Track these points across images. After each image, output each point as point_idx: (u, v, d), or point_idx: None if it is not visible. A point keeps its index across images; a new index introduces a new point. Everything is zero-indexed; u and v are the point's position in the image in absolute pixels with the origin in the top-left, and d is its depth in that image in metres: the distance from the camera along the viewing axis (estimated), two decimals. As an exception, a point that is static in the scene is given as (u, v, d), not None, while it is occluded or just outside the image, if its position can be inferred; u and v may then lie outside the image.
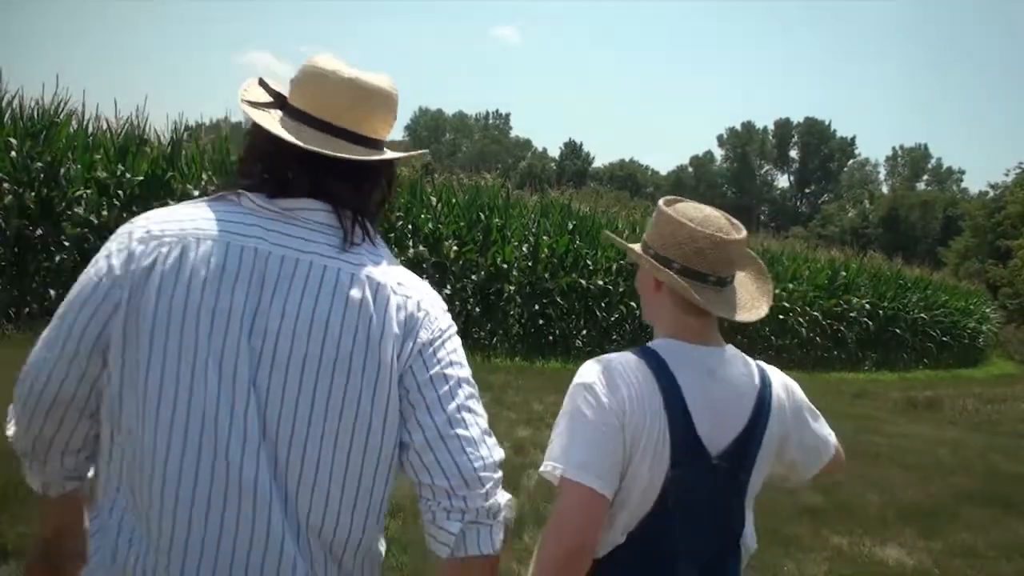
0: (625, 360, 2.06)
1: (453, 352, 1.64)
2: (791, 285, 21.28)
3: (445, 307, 1.71)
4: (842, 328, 22.16)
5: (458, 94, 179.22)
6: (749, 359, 2.14)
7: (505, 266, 15.82)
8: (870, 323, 22.95)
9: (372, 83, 1.68)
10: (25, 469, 1.67)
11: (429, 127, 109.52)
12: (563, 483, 1.91)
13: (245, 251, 1.56)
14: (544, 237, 16.98)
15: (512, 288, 15.94)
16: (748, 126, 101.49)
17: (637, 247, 2.18)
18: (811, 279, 22.18)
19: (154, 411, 1.50)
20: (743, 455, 2.04)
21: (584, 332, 17.32)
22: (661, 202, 2.19)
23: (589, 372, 2.05)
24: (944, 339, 26.03)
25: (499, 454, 1.62)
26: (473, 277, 15.64)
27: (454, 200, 16.67)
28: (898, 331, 24.06)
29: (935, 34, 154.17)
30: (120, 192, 13.13)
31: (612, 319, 17.54)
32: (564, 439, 1.95)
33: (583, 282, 16.95)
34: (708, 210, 2.14)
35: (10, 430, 1.63)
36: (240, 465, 1.49)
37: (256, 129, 1.68)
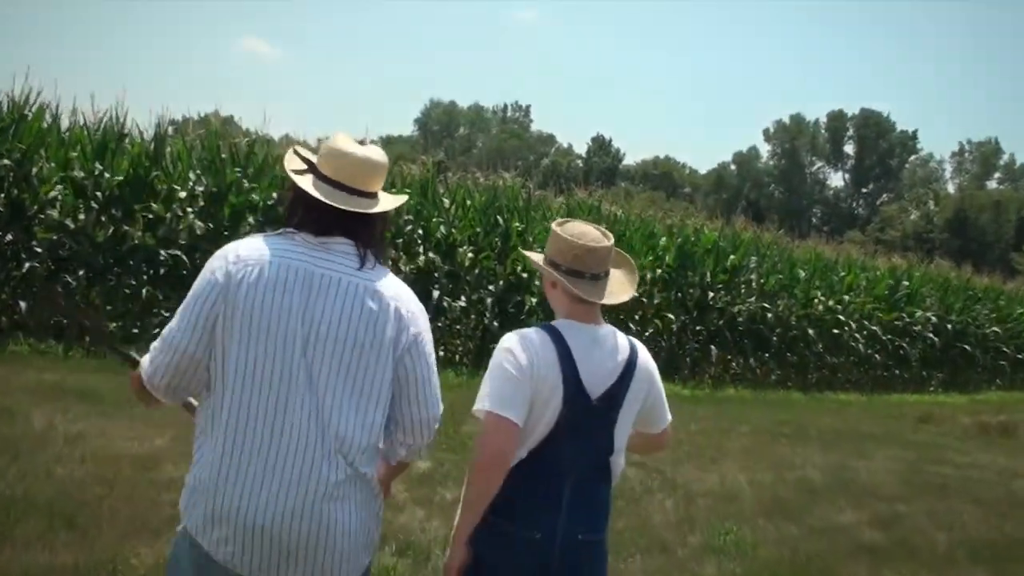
0: (533, 332, 3.39)
1: (428, 343, 3.02)
2: (847, 297, 21.11)
3: (423, 308, 3.06)
4: (904, 345, 21.98)
5: (473, 84, 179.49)
6: (624, 336, 3.55)
7: (526, 275, 15.81)
8: (936, 339, 22.75)
9: (373, 159, 3.04)
10: (158, 398, 3.00)
11: (441, 121, 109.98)
12: (487, 415, 3.23)
13: (299, 270, 2.90)
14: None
15: (534, 300, 15.94)
16: (797, 119, 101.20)
17: (540, 258, 3.57)
18: (869, 290, 22.00)
19: (243, 366, 2.82)
20: (614, 398, 3.41)
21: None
22: (554, 224, 3.56)
23: (508, 340, 3.36)
24: (1019, 356, 25.71)
25: (440, 410, 3.03)
26: (491, 287, 15.63)
27: (469, 202, 16.72)
28: (967, 348, 23.80)
29: (1006, 14, 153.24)
30: (98, 193, 13.20)
31: (646, 334, 17.48)
32: (488, 387, 3.28)
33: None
34: (586, 226, 3.53)
35: (155, 379, 2.94)
36: (293, 398, 2.82)
37: (299, 190, 3.05)
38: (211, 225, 13.84)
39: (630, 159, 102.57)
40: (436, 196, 16.37)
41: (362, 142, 3.14)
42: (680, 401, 15.25)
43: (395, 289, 3.02)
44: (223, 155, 14.68)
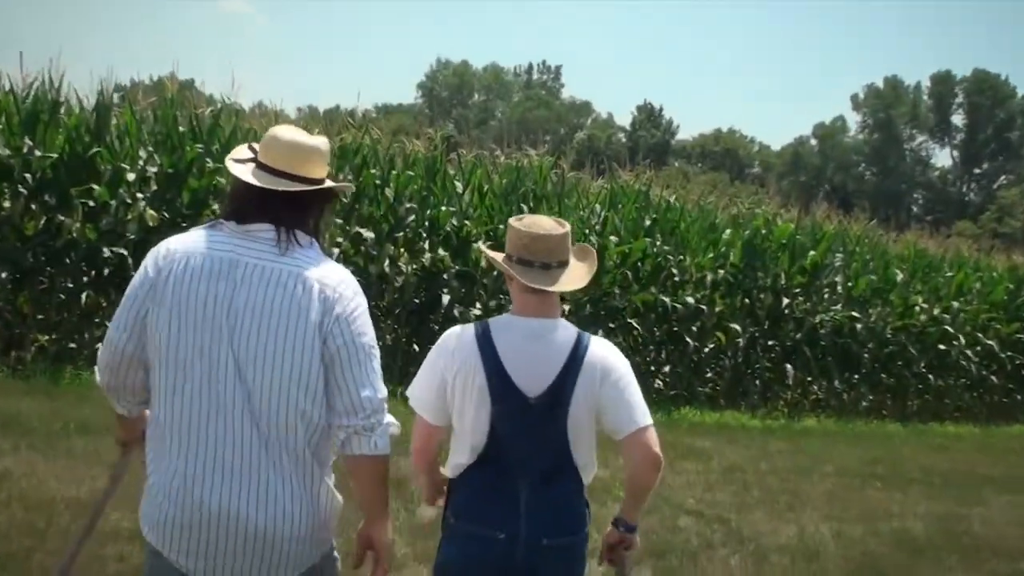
0: (463, 329, 4.08)
1: (357, 322, 3.53)
2: (955, 304, 20.94)
3: (357, 289, 3.59)
4: (1029, 363, 21.83)
5: (490, 40, 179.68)
6: (577, 331, 4.10)
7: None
8: (1068, 356, 22.57)
9: (304, 141, 3.66)
10: (112, 402, 3.72)
11: (450, 85, 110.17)
12: (415, 414, 4.13)
13: (223, 259, 3.49)
14: (612, 237, 17.11)
15: (567, 307, 15.92)
16: (894, 83, 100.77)
17: (499, 255, 4.18)
18: (984, 295, 21.84)
19: (172, 356, 3.43)
20: (558, 395, 3.94)
21: (668, 368, 17.30)
22: (512, 219, 4.16)
23: (441, 339, 4.09)
24: None
25: (380, 393, 3.52)
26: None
27: (487, 187, 16.79)
28: (1108, 367, 23.60)
29: None
30: (27, 175, 13.32)
31: (706, 350, 17.44)
32: (416, 381, 4.15)
33: (666, 299, 17.02)
34: (540, 218, 4.16)
35: (98, 378, 3.67)
36: (222, 389, 3.41)
37: (233, 176, 3.65)
38: (166, 214, 13.91)
39: (685, 133, 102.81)
40: (445, 179, 16.43)
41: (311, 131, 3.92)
42: (748, 434, 15.21)
43: (322, 272, 3.57)
44: (181, 128, 14.74)
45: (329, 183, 3.71)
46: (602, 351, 4.08)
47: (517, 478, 3.96)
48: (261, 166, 3.66)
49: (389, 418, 3.58)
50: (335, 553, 3.75)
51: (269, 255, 3.53)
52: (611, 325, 16.37)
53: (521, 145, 19.81)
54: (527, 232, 4.06)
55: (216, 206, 14.03)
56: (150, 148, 14.41)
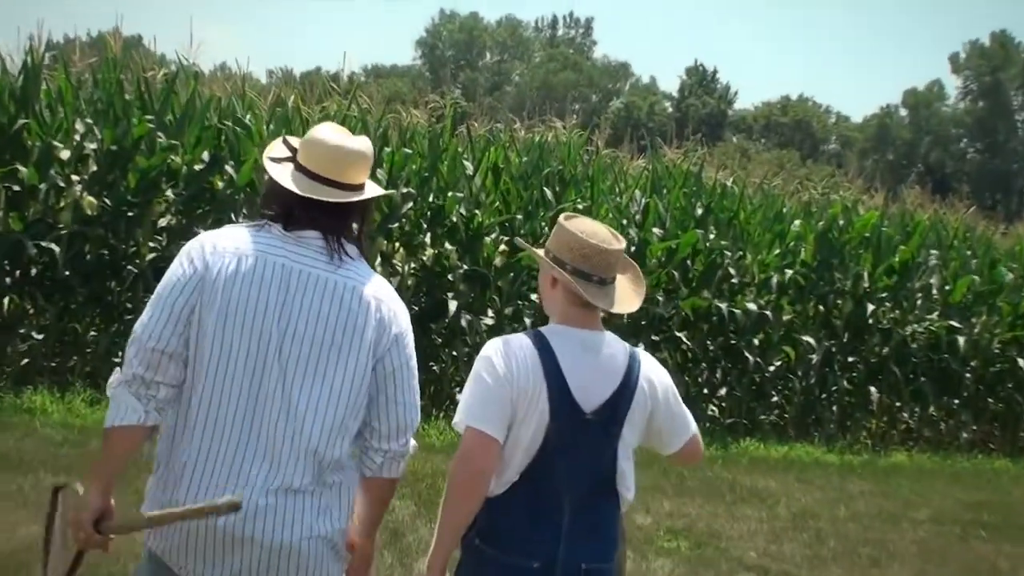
0: (518, 339, 4.43)
1: (409, 345, 4.12)
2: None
3: (406, 309, 4.19)
4: None
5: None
6: (626, 345, 4.57)
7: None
8: None
9: (353, 148, 4.15)
10: (121, 409, 3.92)
11: (456, 43, 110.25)
12: (466, 430, 4.30)
13: (276, 265, 3.96)
14: (655, 230, 17.10)
15: (601, 315, 15.88)
16: (1003, 40, 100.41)
17: (541, 252, 4.57)
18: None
19: (216, 360, 3.89)
20: (614, 412, 4.40)
21: (724, 391, 17.38)
22: (561, 217, 4.58)
23: (490, 348, 4.42)
24: None
25: (419, 416, 4.14)
26: (534, 298, 15.57)
27: (502, 167, 16.79)
28: None
29: None
30: (-63, 154, 13.27)
31: (771, 369, 17.36)
32: (468, 399, 4.36)
33: (722, 306, 17.01)
34: (597, 225, 4.59)
35: (118, 376, 3.95)
36: (265, 398, 3.89)
37: (274, 181, 4.12)
38: (108, 201, 13.93)
39: (745, 101, 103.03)
40: (452, 157, 16.42)
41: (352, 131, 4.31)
42: (822, 471, 15.15)
43: (376, 288, 4.13)
44: (127, 95, 14.76)
45: (373, 190, 4.26)
46: (651, 365, 4.60)
47: (561, 499, 4.38)
48: (301, 168, 4.14)
49: (414, 441, 4.22)
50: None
51: (322, 264, 4.05)
52: (654, 337, 16.35)
53: (544, 116, 19.77)
54: (590, 244, 4.47)
55: (170, 192, 14.03)
56: (89, 120, 14.40)
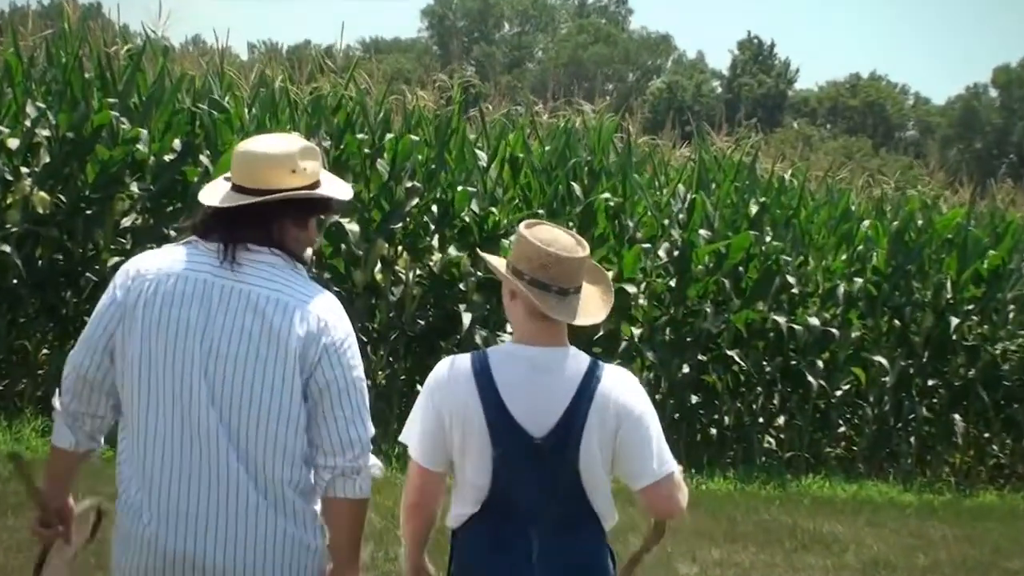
0: (459, 363, 4.80)
1: (346, 354, 4.42)
2: None
3: (343, 315, 4.50)
4: None
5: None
6: (589, 360, 4.82)
7: (623, 288, 15.74)
8: None
9: (258, 150, 4.53)
10: (59, 433, 4.55)
11: (469, 13, 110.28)
12: (410, 461, 4.86)
13: (197, 281, 4.36)
14: (701, 231, 17.07)
15: (638, 331, 16.01)
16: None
17: (502, 263, 4.85)
18: None
19: (144, 385, 4.32)
20: (567, 434, 4.66)
21: (782, 419, 17.35)
22: (522, 225, 4.87)
23: (434, 372, 4.83)
24: None
25: (369, 432, 4.43)
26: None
27: (522, 157, 16.80)
28: None
29: None
30: None
31: (838, 393, 17.30)
32: (410, 423, 4.86)
33: (780, 320, 16.99)
34: (559, 232, 4.82)
35: (56, 402, 4.48)
36: (196, 421, 4.27)
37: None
38: (63, 198, 14.00)
39: (807, 80, 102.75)
40: (463, 146, 16.48)
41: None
42: (898, 514, 15.11)
43: (304, 298, 4.48)
44: (87, 74, 14.83)
45: (323, 190, 4.61)
46: (616, 382, 4.81)
47: (527, 527, 4.72)
48: (233, 185, 4.55)
49: (373, 459, 4.49)
50: None
51: (250, 279, 4.42)
52: (701, 357, 16.39)
53: (572, 98, 19.77)
54: (546, 251, 4.72)
55: (135, 186, 14.05)
56: (40, 103, 14.42)
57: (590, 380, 4.73)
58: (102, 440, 4.66)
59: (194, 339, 4.33)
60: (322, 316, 4.43)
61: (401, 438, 4.92)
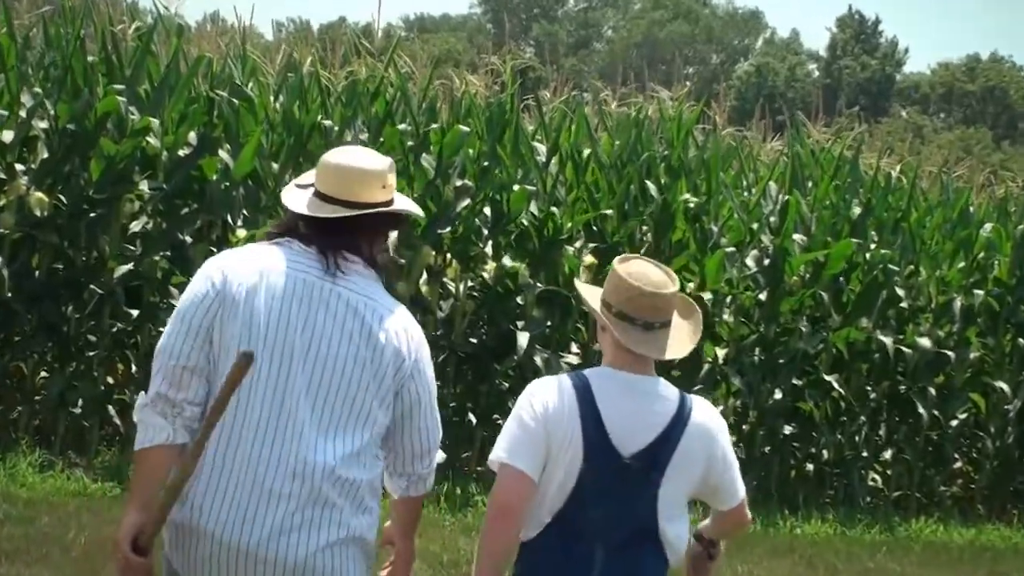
0: (561, 380, 5.61)
1: (430, 373, 5.48)
2: None
3: (424, 337, 5.48)
4: None
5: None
6: (679, 392, 5.65)
7: (705, 302, 15.76)
8: None
9: (353, 165, 5.43)
10: (150, 430, 5.14)
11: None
12: (500, 466, 5.50)
13: (298, 279, 5.24)
14: (795, 236, 17.03)
15: (723, 352, 15.98)
16: None
17: (597, 296, 5.76)
18: None
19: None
20: (655, 458, 5.46)
21: (889, 452, 17.28)
22: (616, 260, 5.78)
23: (533, 387, 5.64)
24: None
25: (440, 435, 5.56)
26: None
27: (587, 152, 16.78)
28: None
29: None
30: None
31: (953, 423, 17.17)
32: (504, 439, 5.54)
33: (887, 340, 16.90)
34: (649, 267, 5.69)
35: (144, 398, 5.19)
36: (291, 413, 5.12)
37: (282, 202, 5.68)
38: (63, 198, 14.08)
39: (918, 62, 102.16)
40: (519, 139, 16.41)
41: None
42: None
43: (396, 310, 5.36)
44: (90, 57, 14.87)
45: (398, 205, 5.47)
46: (705, 413, 5.70)
47: (592, 543, 5.51)
48: (320, 195, 5.36)
49: (440, 455, 5.55)
50: None
51: (348, 284, 5.25)
52: (795, 382, 16.37)
53: (646, 83, 19.77)
54: (633, 285, 5.58)
55: (145, 185, 14.07)
56: (38, 90, 14.49)
57: (683, 409, 5.56)
58: (194, 432, 5.13)
59: (295, 333, 5.11)
60: (411, 331, 5.34)
61: (492, 456, 5.57)
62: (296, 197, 5.45)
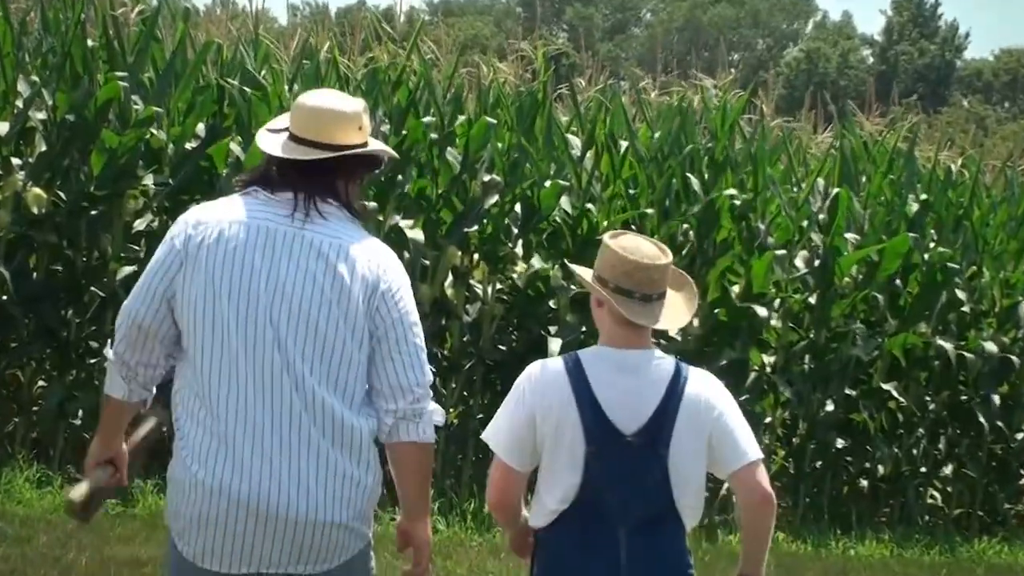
0: (550, 364, 6.16)
1: (403, 300, 5.71)
2: None
3: (399, 263, 5.83)
4: None
5: None
6: (675, 362, 6.11)
7: (750, 307, 15.90)
8: None
9: (327, 106, 5.81)
10: (112, 383, 5.77)
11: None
12: (493, 460, 6.18)
13: (259, 228, 5.60)
14: (847, 235, 16.98)
15: (771, 360, 15.93)
16: None
17: (588, 273, 6.12)
18: None
19: (207, 328, 5.52)
20: (658, 431, 5.89)
21: (950, 467, 17.17)
22: (607, 236, 6.16)
23: (525, 373, 6.11)
24: None
25: (427, 377, 5.71)
26: (676, 336, 15.42)
27: (625, 144, 16.72)
28: None
29: None
30: None
31: (1018, 437, 17.05)
32: (497, 422, 6.19)
33: (947, 345, 16.82)
34: (641, 240, 6.17)
35: (109, 352, 5.75)
36: (261, 362, 5.49)
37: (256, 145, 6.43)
38: (62, 195, 14.16)
39: (980, 48, 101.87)
40: (552, 130, 16.44)
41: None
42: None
43: (363, 245, 5.64)
44: (90, 42, 14.85)
45: (373, 147, 5.82)
46: (703, 383, 6.11)
47: (616, 526, 5.92)
48: (291, 136, 5.70)
49: (434, 405, 5.70)
50: (371, 551, 5.81)
51: (310, 226, 5.55)
52: (848, 391, 16.32)
53: (688, 70, 19.73)
54: (630, 260, 5.98)
55: (150, 180, 14.08)
56: (35, 78, 14.52)
57: (678, 380, 6.00)
58: (154, 390, 5.77)
59: (259, 282, 5.44)
60: (381, 263, 5.62)
61: (484, 436, 6.20)
62: (271, 140, 5.76)
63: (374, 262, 5.59)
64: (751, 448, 6.02)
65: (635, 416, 5.89)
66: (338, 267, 5.50)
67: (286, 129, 5.78)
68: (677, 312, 6.16)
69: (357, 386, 5.55)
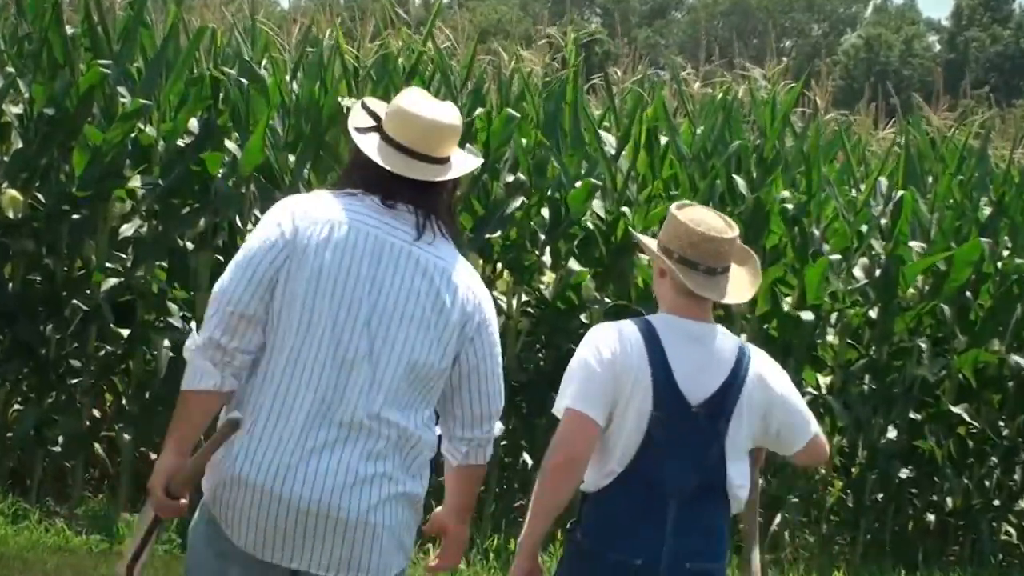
0: (624, 325, 6.76)
1: (495, 333, 6.37)
2: None
3: (489, 296, 6.45)
4: None
5: None
6: (736, 339, 7.01)
7: (805, 316, 15.90)
8: None
9: (443, 122, 6.29)
10: (198, 374, 6.01)
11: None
12: (565, 411, 6.65)
13: (369, 236, 6.10)
14: (912, 243, 16.90)
15: (827, 380, 15.84)
16: None
17: (653, 243, 6.87)
18: None
19: (302, 326, 6.00)
20: (721, 405, 6.63)
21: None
22: (673, 206, 6.88)
23: (596, 332, 6.84)
24: None
25: (502, 402, 6.41)
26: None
27: (665, 140, 16.74)
28: None
29: None
30: None
31: None
32: (570, 385, 6.68)
33: (1023, 363, 16.78)
34: (708, 213, 6.91)
35: (196, 340, 6.11)
36: (349, 367, 5.99)
37: (359, 150, 6.40)
38: (40, 197, 14.22)
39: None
40: (584, 125, 16.41)
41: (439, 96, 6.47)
42: None
43: (462, 271, 6.13)
44: (70, 29, 14.87)
45: (462, 161, 6.32)
46: (763, 361, 6.79)
47: (667, 494, 6.50)
48: (388, 139, 6.14)
49: (500, 426, 6.34)
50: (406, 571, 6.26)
51: (412, 240, 6.01)
52: (913, 415, 16.30)
53: (735, 58, 19.74)
54: (698, 232, 6.53)
55: (137, 181, 14.07)
56: (10, 69, 14.54)
57: (743, 357, 6.65)
58: (242, 380, 6.00)
59: (363, 290, 5.90)
60: (478, 292, 6.15)
61: (559, 404, 6.61)
62: (370, 143, 6.16)
63: (472, 291, 6.07)
64: (813, 423, 6.84)
65: (702, 388, 6.47)
66: (440, 290, 5.96)
67: (374, 129, 6.19)
68: (741, 286, 6.74)
69: (428, 408, 6.03)
